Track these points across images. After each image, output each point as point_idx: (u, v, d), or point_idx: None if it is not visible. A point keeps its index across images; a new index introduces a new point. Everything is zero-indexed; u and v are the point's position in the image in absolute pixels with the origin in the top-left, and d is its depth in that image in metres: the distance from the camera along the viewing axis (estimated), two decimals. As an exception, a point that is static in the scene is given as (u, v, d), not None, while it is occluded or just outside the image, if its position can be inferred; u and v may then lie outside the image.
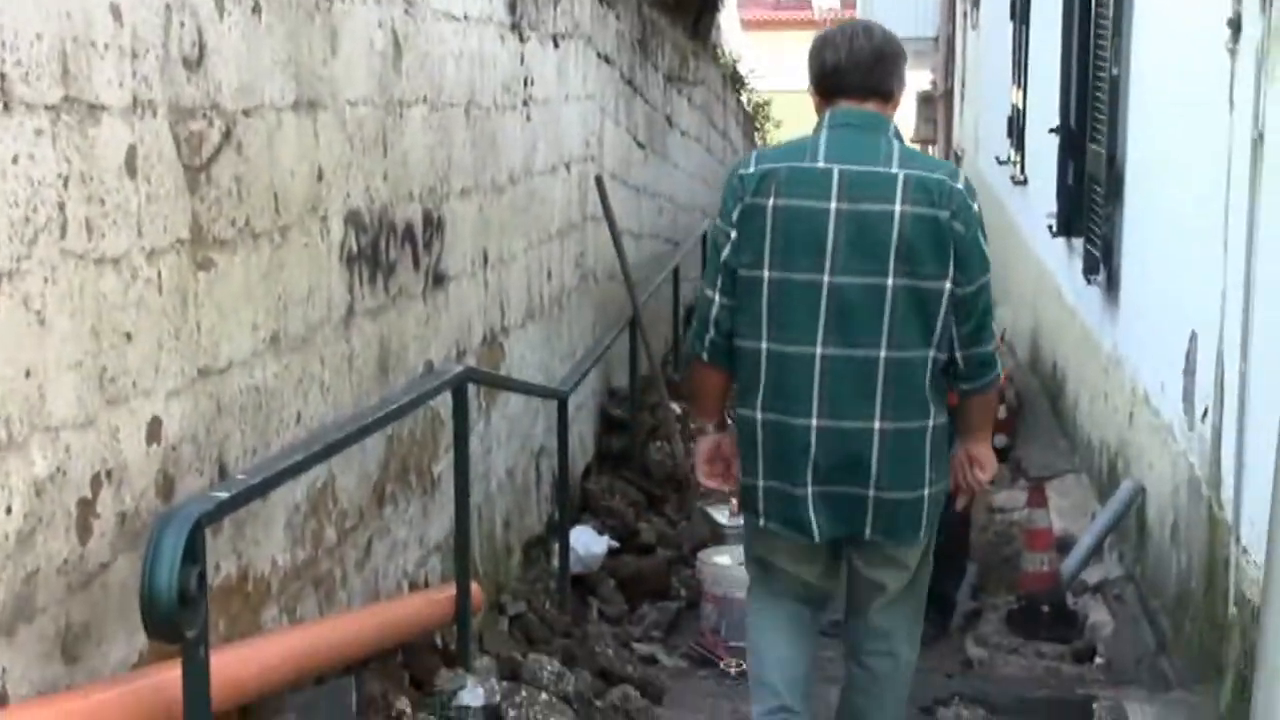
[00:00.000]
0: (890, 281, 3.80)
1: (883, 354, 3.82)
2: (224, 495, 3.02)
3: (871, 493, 3.88)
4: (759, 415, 3.93)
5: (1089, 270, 8.64)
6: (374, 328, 4.59)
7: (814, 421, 3.85)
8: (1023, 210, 12.95)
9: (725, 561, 6.93)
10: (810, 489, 3.90)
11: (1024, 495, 8.64)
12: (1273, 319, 5.26)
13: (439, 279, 5.25)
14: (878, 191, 3.81)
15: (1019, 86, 13.35)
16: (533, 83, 6.58)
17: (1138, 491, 7.32)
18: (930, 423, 3.91)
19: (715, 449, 4.22)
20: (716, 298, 3.93)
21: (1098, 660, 6.81)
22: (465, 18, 5.55)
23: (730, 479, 4.22)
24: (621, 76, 9.09)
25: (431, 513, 5.18)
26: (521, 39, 6.39)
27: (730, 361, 4.00)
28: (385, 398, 4.41)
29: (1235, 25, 5.76)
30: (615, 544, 7.35)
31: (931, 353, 3.88)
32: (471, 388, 5.12)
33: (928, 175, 3.85)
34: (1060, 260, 10.30)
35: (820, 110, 4.01)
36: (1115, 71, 8.27)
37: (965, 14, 19.99)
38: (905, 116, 30.95)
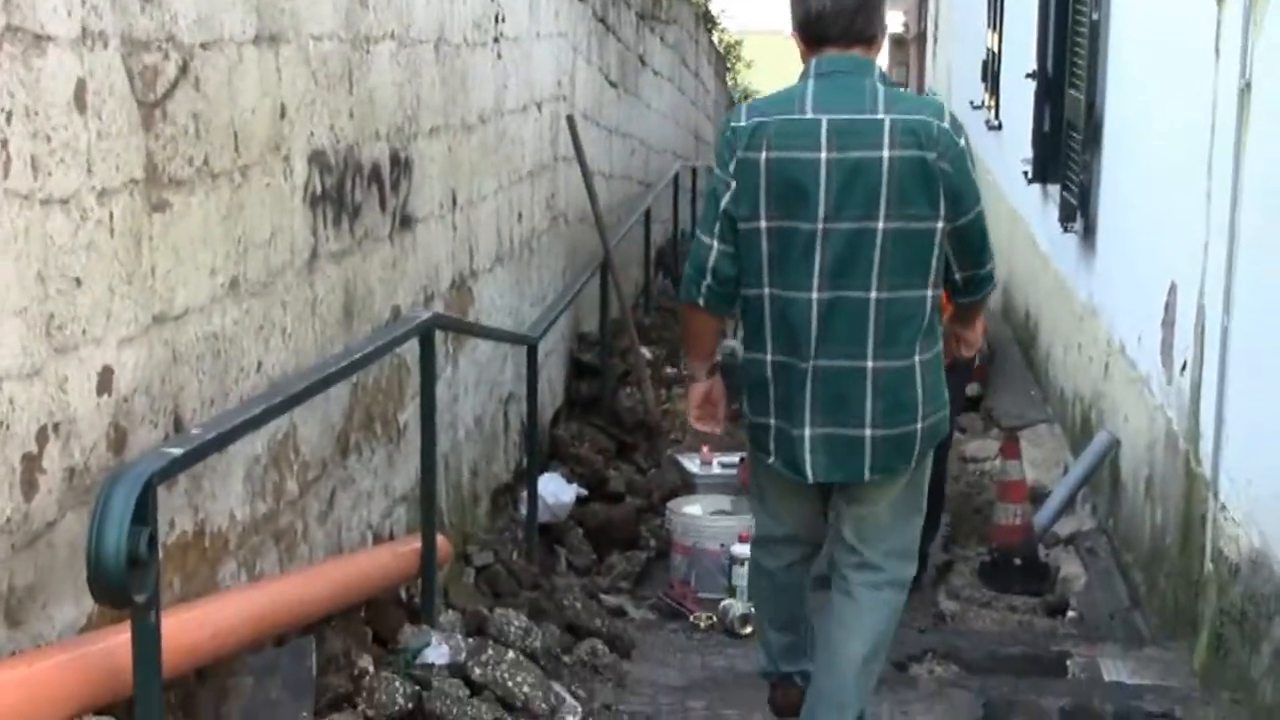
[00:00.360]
0: (881, 225, 3.88)
1: (873, 295, 3.91)
2: (177, 452, 2.86)
3: (868, 432, 3.97)
4: (769, 357, 4.01)
5: (1065, 218, 8.52)
6: (339, 272, 4.43)
7: (810, 363, 3.94)
8: (997, 155, 12.83)
9: (695, 511, 6.83)
10: (808, 430, 3.99)
11: (996, 445, 8.57)
12: (1256, 272, 5.16)
13: (406, 221, 5.09)
14: (865, 138, 3.87)
15: (995, 30, 13.19)
16: (504, 19, 6.40)
17: (1112, 444, 7.24)
18: (918, 358, 3.99)
19: (706, 393, 4.33)
20: (715, 244, 3.99)
21: (1070, 614, 6.75)
22: (435, -49, 5.38)
23: (719, 422, 4.37)
24: (594, 14, 8.91)
25: (397, 462, 5.04)
26: (493, -27, 6.22)
27: (726, 307, 4.10)
28: (350, 345, 4.25)
29: (1223, -28, 5.64)
30: (584, 492, 7.23)
31: (928, 291, 3.99)
32: (439, 334, 4.98)
33: (913, 118, 3.90)
34: (1035, 207, 10.19)
35: (805, 57, 4.05)
36: (1095, 17, 8.13)
37: (940, -45, 19.81)
38: (878, 59, 30.75)
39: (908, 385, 3.98)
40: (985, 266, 4.11)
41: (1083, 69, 8.39)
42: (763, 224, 3.93)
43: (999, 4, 12.96)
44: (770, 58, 23.98)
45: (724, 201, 3.97)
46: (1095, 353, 7.86)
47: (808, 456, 4.00)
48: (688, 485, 7.44)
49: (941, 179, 3.88)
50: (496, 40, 6.29)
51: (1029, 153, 9.61)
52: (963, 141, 3.95)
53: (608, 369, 8.46)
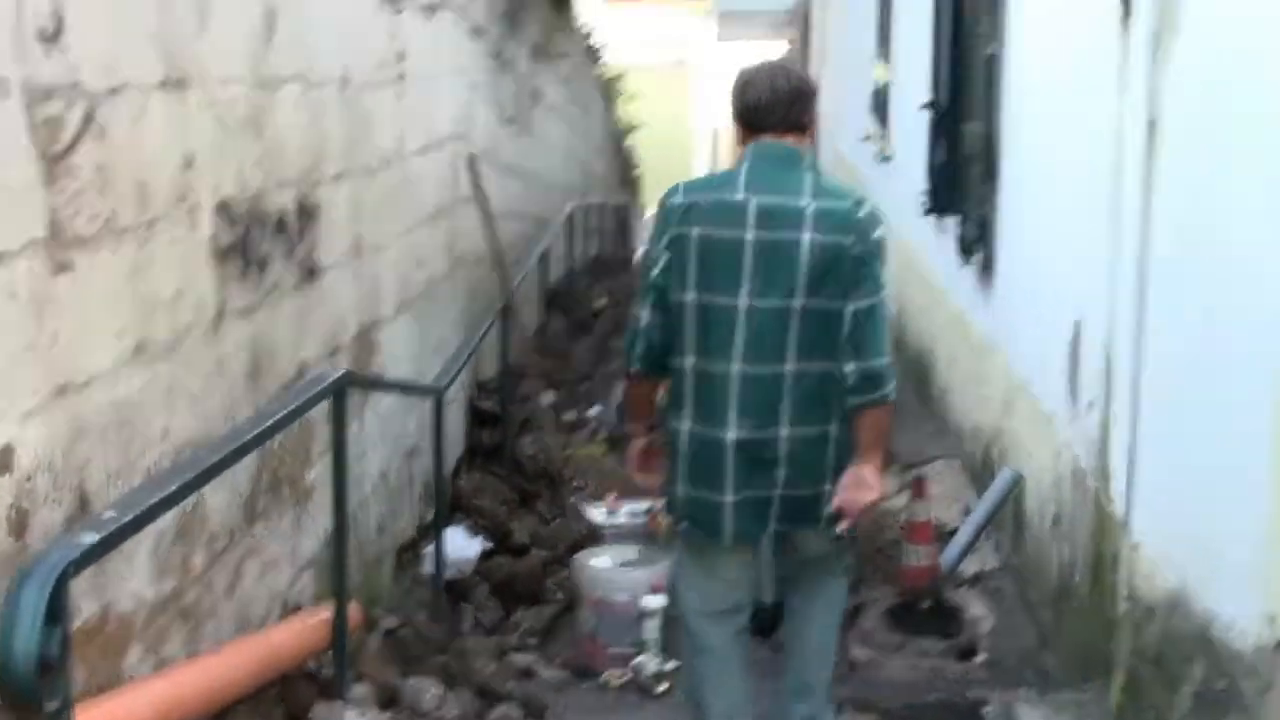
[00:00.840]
0: (799, 303, 4.11)
1: (787, 368, 4.14)
2: (91, 539, 2.64)
3: (778, 492, 4.21)
4: (686, 427, 4.23)
5: (963, 251, 8.48)
6: (246, 328, 4.22)
7: (731, 434, 4.16)
8: (888, 187, 12.83)
9: (603, 563, 6.64)
10: (729, 498, 4.21)
11: (896, 483, 8.50)
12: (1169, 309, 5.12)
13: (312, 272, 4.89)
14: (789, 221, 4.12)
15: (884, 61, 13.22)
16: (406, 57, 6.22)
17: (1016, 481, 7.18)
18: (832, 428, 4.21)
19: (643, 451, 4.56)
20: (646, 314, 4.25)
21: (980, 657, 6.69)
22: (338, -12, 5.21)
23: (658, 475, 4.51)
24: (491, 50, 8.75)
25: (304, 525, 4.82)
26: (395, 10, 6.04)
27: (659, 372, 4.31)
28: (261, 410, 4.02)
29: (1126, 6, 5.62)
30: (489, 545, 7.02)
31: (834, 367, 4.17)
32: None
33: (835, 205, 4.17)
34: (930, 240, 10.15)
35: (742, 142, 4.33)
36: (992, 50, 8.13)
37: (824, -13, 19.87)
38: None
39: (819, 452, 4.21)
40: (878, 359, 4.15)
41: (980, 101, 8.39)
42: (691, 296, 4.16)
43: (888, 36, 12.99)
44: (651, 91, 23.98)
45: (655, 274, 4.22)
46: (996, 388, 7.82)
47: (726, 523, 4.22)
48: (594, 535, 7.23)
49: (852, 264, 4.10)
50: (399, 79, 6.12)
51: (924, 185, 9.59)
52: (878, 233, 4.19)
53: (509, 416, 8.27)
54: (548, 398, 8.48)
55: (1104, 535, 5.71)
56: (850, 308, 4.10)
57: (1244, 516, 4.23)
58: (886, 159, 12.77)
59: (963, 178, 8.75)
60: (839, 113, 17.39)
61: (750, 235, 4.11)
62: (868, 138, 13.79)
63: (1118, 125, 5.63)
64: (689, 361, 4.19)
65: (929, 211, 9.53)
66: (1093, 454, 5.97)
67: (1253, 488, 4.14)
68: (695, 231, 4.14)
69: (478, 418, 8.29)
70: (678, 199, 4.22)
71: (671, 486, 4.33)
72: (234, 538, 4.14)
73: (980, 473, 8.09)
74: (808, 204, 4.13)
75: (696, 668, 4.54)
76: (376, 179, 5.77)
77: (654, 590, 6.17)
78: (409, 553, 6.52)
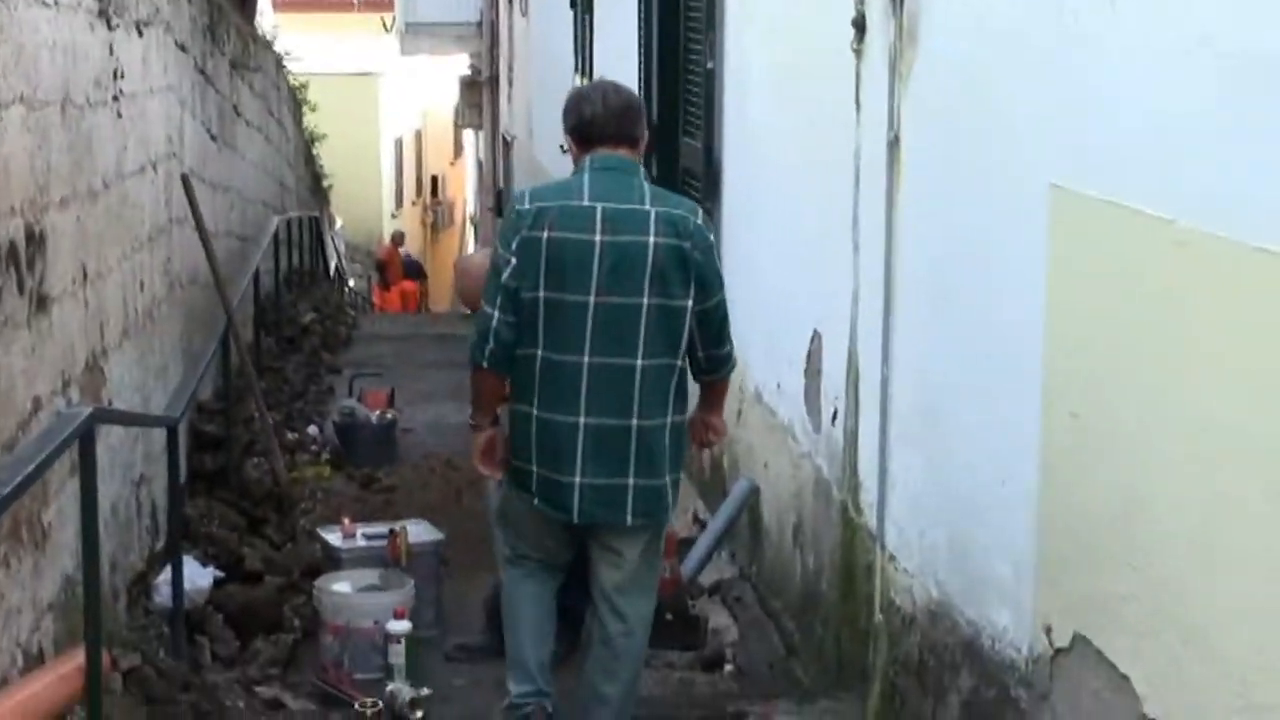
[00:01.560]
0: (645, 301, 4.50)
1: (639, 362, 4.51)
2: None
3: (631, 481, 4.56)
4: (534, 411, 4.55)
5: (684, 264, 8.53)
6: (-19, 366, 3.96)
7: (581, 419, 4.50)
8: (593, 200, 12.85)
9: (345, 588, 6.46)
10: (578, 479, 4.53)
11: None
12: (914, 320, 5.22)
13: (43, 302, 4.62)
14: (634, 225, 4.50)
15: (583, 75, 13.22)
16: (122, 75, 5.95)
17: (752, 491, 7.26)
18: (669, 419, 4.62)
19: (490, 442, 4.77)
20: (496, 314, 4.49)
21: (728, 668, 6.72)
22: (56, 4, 4.93)
23: (500, 467, 4.79)
24: (195, 65, 8.44)
25: (44, 568, 4.55)
26: (109, 26, 5.76)
27: (506, 368, 4.58)
28: (12, 459, 3.75)
29: (860, 25, 5.70)
30: (220, 574, 6.76)
31: (678, 362, 4.63)
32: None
33: (673, 211, 4.59)
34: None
35: (578, 155, 4.72)
36: (710, 65, 8.19)
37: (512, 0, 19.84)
38: (450, 101, 30.74)
39: (659, 442, 4.59)
40: (725, 346, 4.80)
41: (698, 117, 8.45)
42: (541, 294, 4.46)
43: (587, 49, 13.00)
44: (331, 101, 23.60)
45: (504, 276, 4.47)
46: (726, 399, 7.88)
47: (575, 502, 4.55)
48: (331, 559, 7.02)
49: (693, 267, 4.54)
50: (116, 98, 5.84)
51: (637, 199, 9.59)
52: (711, 237, 4.68)
53: (232, 439, 7.98)
54: (273, 417, 8.19)
55: (854, 546, 5.77)
56: (700, 305, 4.58)
57: (1011, 528, 4.32)
58: (591, 170, 12.78)
59: (681, 192, 8.79)
60: (538, 124, 17.39)
61: (599, 237, 4.46)
62: (567, 150, 13.79)
63: (854, 144, 5.72)
64: (538, 352, 4.49)
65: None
66: (837, 465, 6.04)
67: (1020, 499, 4.23)
68: (546, 235, 4.44)
69: (199, 441, 7.98)
70: (525, 205, 4.52)
71: (518, 464, 4.65)
72: (-23, 589, 3.87)
73: (709, 484, 8.14)
74: (649, 210, 4.53)
75: (514, 603, 4.95)
76: (99, 202, 5.51)
77: (398, 615, 6.04)
78: (138, 586, 6.23)
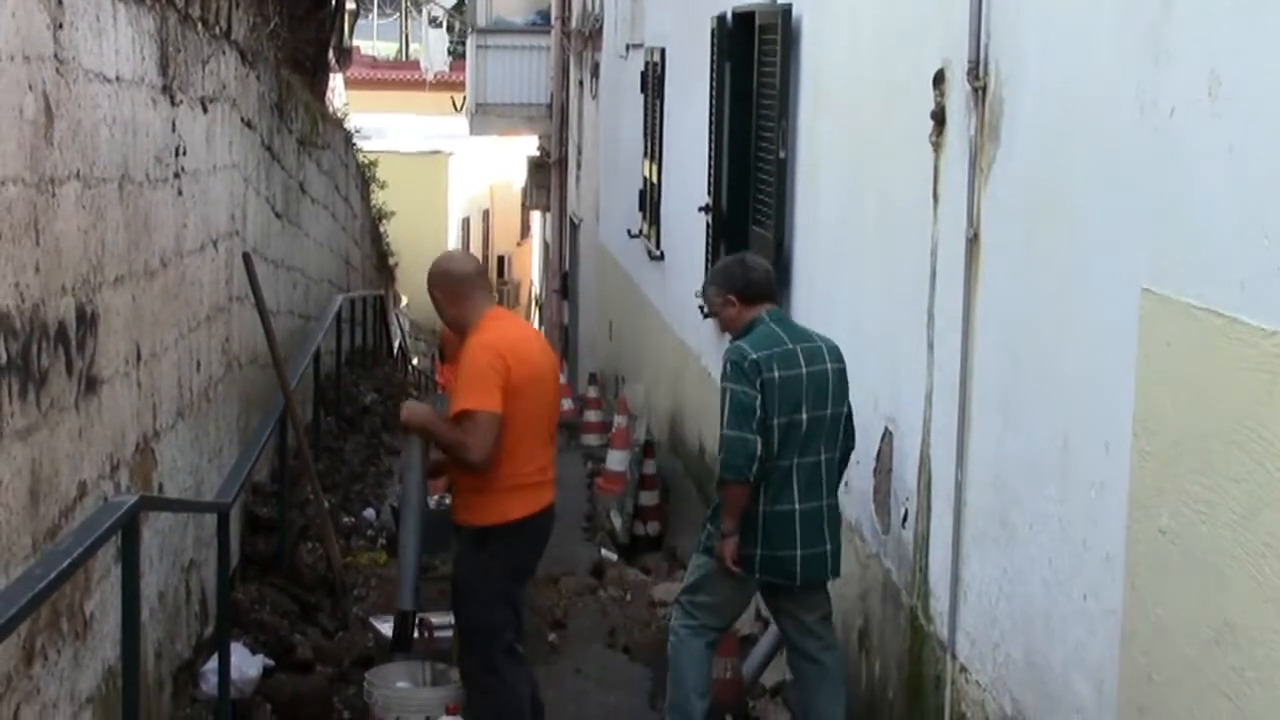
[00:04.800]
0: (830, 411, 5.84)
1: (826, 456, 5.87)
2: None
3: (828, 547, 5.92)
4: (796, 507, 5.80)
5: (751, 358, 8.35)
6: (25, 451, 3.82)
7: (824, 502, 5.89)
8: (659, 285, 12.74)
9: (397, 683, 6.26)
10: (799, 551, 5.84)
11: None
12: (990, 425, 5.03)
13: (92, 384, 4.49)
14: (818, 357, 5.85)
15: (652, 160, 13.12)
16: (184, 152, 5.86)
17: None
18: (836, 499, 6.04)
19: (738, 545, 5.78)
20: (752, 438, 5.63)
21: (788, 771, 6.50)
22: (118, 79, 4.83)
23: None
24: (262, 142, 8.38)
25: (84, 660, 4.40)
26: (173, 103, 5.68)
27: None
28: (51, 552, 3.59)
29: (939, 118, 5.55)
30: (270, 662, 6.58)
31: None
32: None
33: (827, 343, 5.92)
34: (709, 342, 10.04)
35: (741, 311, 5.92)
36: (783, 155, 8.05)
37: (582, 83, 19.80)
38: (518, 181, 30.75)
39: (838, 517, 6.00)
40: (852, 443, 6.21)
41: (769, 207, 8.30)
42: (780, 419, 5.71)
43: (657, 134, 12.89)
44: (400, 179, 23.67)
45: (756, 409, 5.63)
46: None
47: (798, 569, 5.81)
48: (381, 648, 6.83)
49: (847, 381, 5.94)
50: (177, 175, 5.74)
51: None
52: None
53: (287, 523, 7.82)
54: (329, 501, 8.00)
55: (923, 655, 5.58)
56: (845, 411, 5.96)
57: (1093, 645, 4.11)
58: (658, 258, 12.66)
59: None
60: (605, 208, 17.31)
61: (804, 369, 5.76)
62: (637, 234, 13.66)
63: (931, 239, 5.56)
64: (791, 461, 5.75)
65: (708, 315, 9.39)
66: (906, 569, 5.85)
67: (1103, 615, 4.02)
68: (776, 375, 5.68)
69: (253, 524, 7.83)
70: (754, 355, 5.69)
71: (768, 550, 5.82)
72: (11, 683, 3.74)
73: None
74: (819, 344, 5.88)
75: (694, 655, 6.16)
76: (156, 280, 5.40)
77: (450, 711, 5.84)
78: (185, 675, 6.06)
